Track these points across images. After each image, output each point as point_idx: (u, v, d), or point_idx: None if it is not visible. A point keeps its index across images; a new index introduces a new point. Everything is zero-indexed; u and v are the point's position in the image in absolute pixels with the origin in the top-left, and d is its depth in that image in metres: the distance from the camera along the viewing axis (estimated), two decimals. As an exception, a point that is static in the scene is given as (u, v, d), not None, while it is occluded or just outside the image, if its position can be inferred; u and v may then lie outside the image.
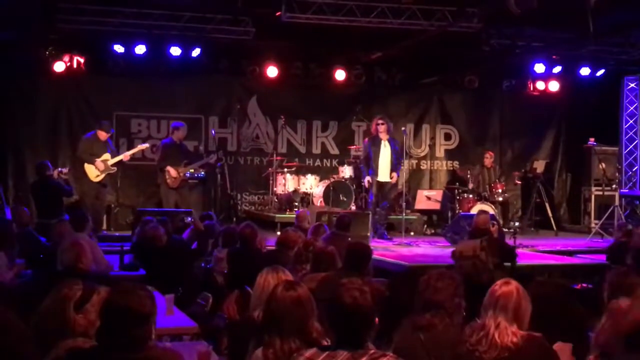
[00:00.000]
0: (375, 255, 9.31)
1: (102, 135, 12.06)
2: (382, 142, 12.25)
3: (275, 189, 13.56)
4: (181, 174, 12.38)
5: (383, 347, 4.00)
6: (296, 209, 12.37)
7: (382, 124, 12.26)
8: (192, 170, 12.53)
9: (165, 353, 3.36)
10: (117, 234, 11.55)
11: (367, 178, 12.23)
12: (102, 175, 11.93)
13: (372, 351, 3.18)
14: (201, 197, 13.86)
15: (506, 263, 7.99)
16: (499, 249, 7.78)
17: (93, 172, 11.88)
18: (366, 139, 12.79)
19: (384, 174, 12.21)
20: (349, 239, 8.24)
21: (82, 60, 13.18)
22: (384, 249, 10.64)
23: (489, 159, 14.25)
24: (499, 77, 15.36)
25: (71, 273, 5.32)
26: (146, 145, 13.00)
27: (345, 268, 5.78)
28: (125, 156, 12.23)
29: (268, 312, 3.72)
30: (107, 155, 11.95)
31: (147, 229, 8.28)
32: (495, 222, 8.99)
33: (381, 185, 12.28)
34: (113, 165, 12.01)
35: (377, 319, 3.42)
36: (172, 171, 12.29)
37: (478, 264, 7.39)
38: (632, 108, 15.22)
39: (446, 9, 11.80)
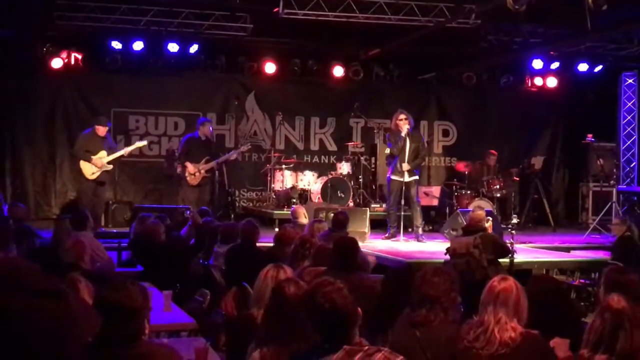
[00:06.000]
0: (373, 252, 9.36)
1: (100, 130, 11.63)
2: (404, 137, 10.92)
3: (273, 185, 13.55)
4: (201, 171, 12.16)
5: (378, 343, 3.99)
6: (293, 206, 12.31)
7: (405, 118, 10.97)
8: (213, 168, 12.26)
9: (160, 348, 3.36)
10: (114, 230, 11.50)
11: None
12: (98, 173, 11.59)
13: (366, 347, 3.17)
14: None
15: (501, 259, 7.95)
16: (494, 245, 7.73)
17: (88, 170, 11.61)
18: (387, 135, 11.61)
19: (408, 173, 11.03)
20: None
21: (79, 57, 13.19)
22: (381, 246, 10.64)
23: (492, 158, 14.19)
24: (497, 73, 15.33)
25: (72, 271, 5.31)
26: (144, 142, 12.72)
27: (334, 265, 5.64)
28: (122, 153, 11.91)
29: (269, 311, 3.69)
30: (103, 153, 11.61)
31: (147, 225, 8.28)
32: (490, 218, 8.92)
33: (406, 186, 10.96)
34: (109, 162, 11.71)
35: (360, 310, 3.39)
36: (190, 167, 12.08)
37: (471, 261, 7.38)
38: (629, 104, 15.20)
39: (444, 5, 11.81)
